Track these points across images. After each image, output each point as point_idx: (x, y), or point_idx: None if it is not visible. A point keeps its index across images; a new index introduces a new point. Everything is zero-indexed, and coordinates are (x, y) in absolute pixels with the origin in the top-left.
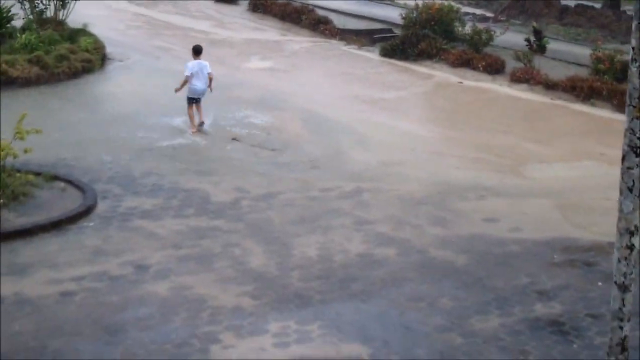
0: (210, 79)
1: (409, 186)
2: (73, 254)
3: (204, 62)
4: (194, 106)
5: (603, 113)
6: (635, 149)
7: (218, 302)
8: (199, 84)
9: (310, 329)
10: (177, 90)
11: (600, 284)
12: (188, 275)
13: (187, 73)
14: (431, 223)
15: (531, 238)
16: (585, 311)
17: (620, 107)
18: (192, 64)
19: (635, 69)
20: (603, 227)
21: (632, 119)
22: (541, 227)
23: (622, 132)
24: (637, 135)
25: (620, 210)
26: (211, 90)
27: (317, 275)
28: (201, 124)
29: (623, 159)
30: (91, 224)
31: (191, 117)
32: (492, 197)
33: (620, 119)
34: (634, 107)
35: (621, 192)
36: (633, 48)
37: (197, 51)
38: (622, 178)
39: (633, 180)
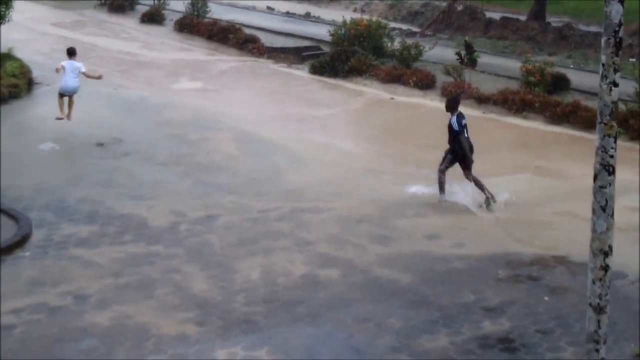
0: (87, 75)
1: (347, 205)
2: (10, 286)
3: (77, 62)
4: (64, 99)
5: (536, 125)
6: (607, 167)
7: (162, 330)
8: (70, 81)
9: (259, 355)
10: (57, 70)
11: (546, 298)
12: (129, 304)
13: (59, 66)
14: (373, 241)
15: (474, 254)
16: (533, 327)
17: (552, 119)
18: (65, 62)
19: (606, 85)
20: (545, 241)
21: (604, 137)
22: (483, 243)
23: (556, 144)
24: (609, 153)
25: (594, 231)
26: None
27: (261, 299)
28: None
29: (595, 177)
30: (27, 253)
31: (60, 105)
32: (431, 214)
33: (553, 131)
34: (605, 124)
35: (594, 212)
36: (603, 64)
37: (70, 52)
38: (595, 197)
39: (606, 200)
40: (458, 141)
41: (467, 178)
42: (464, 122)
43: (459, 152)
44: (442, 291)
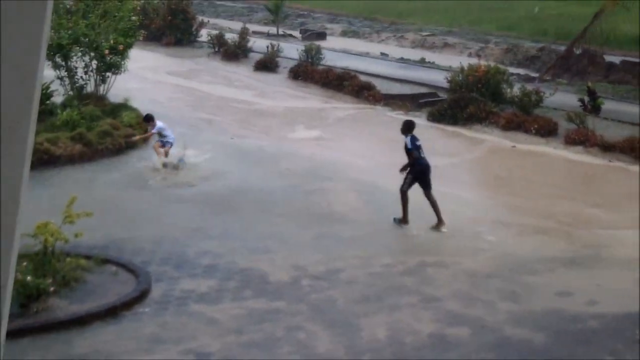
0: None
1: (474, 259)
2: (130, 343)
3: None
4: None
5: None
6: None
7: None
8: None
9: None
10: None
11: None
12: None
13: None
14: (502, 298)
15: (610, 312)
16: None
17: None
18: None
19: None
20: None
21: None
22: (619, 300)
23: None
24: None
25: None
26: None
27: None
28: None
29: None
30: (147, 309)
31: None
32: (562, 269)
33: None
34: None
35: None
36: None
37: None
38: None
39: None
40: (410, 157)
41: (427, 197)
42: (417, 143)
43: (412, 165)
44: (578, 352)
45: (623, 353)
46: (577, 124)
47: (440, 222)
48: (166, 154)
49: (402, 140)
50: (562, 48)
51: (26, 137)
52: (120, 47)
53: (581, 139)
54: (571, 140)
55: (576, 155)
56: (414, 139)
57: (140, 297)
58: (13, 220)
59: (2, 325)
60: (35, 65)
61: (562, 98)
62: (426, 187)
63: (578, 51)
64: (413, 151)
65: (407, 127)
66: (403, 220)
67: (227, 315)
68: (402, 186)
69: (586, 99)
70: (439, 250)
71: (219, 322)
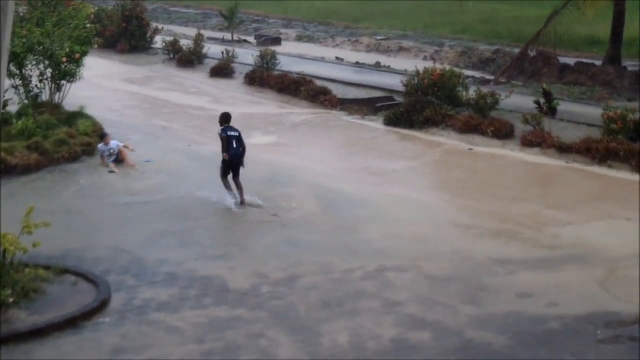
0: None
1: (433, 263)
2: (91, 354)
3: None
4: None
5: (622, 175)
6: None
7: None
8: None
9: None
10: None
11: None
12: None
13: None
14: (463, 301)
15: (570, 313)
16: None
17: (639, 168)
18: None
19: None
20: None
21: None
22: (579, 301)
23: None
24: None
25: None
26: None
27: None
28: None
29: None
30: (107, 319)
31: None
32: (521, 271)
33: None
34: None
35: None
36: None
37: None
38: None
39: None
40: (223, 144)
41: (235, 182)
42: (231, 133)
43: (223, 149)
44: (540, 354)
45: (584, 354)
46: (533, 126)
47: (242, 202)
48: (123, 159)
49: (358, 144)
50: (517, 50)
51: None
52: (76, 55)
53: (537, 140)
54: (528, 142)
55: (533, 157)
56: (227, 129)
57: (100, 306)
58: None
59: None
60: None
61: (517, 100)
62: (236, 173)
63: (532, 53)
64: (220, 135)
65: (224, 119)
66: (241, 202)
67: (188, 324)
68: (220, 175)
69: (542, 100)
70: (398, 255)
71: (180, 330)
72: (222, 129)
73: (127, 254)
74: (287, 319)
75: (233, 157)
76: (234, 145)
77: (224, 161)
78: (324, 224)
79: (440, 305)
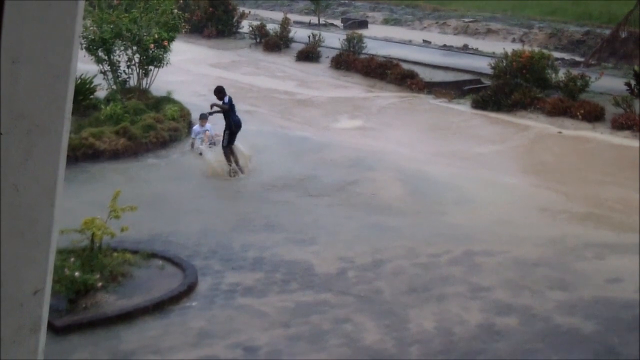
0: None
1: (521, 247)
2: (178, 338)
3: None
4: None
5: None
6: None
7: None
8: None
9: None
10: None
11: None
12: (301, 357)
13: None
14: (551, 287)
15: None
16: None
17: None
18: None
19: None
20: None
21: None
22: None
23: None
24: None
25: None
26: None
27: (437, 351)
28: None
29: None
30: (194, 303)
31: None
32: (611, 255)
33: None
34: None
35: None
36: None
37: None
38: None
39: None
40: (228, 116)
41: (233, 149)
42: (232, 102)
43: (229, 124)
44: (630, 340)
45: None
46: (624, 109)
47: (242, 170)
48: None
49: (445, 127)
50: (608, 32)
51: (60, 136)
52: (164, 42)
53: (629, 123)
54: (618, 125)
55: (624, 140)
56: (230, 99)
57: (187, 291)
58: (50, 222)
59: (42, 328)
60: (67, 63)
61: (608, 82)
62: (234, 141)
63: (624, 34)
64: (226, 107)
65: (220, 91)
66: (238, 171)
67: (274, 308)
68: (223, 143)
69: (633, 82)
70: (485, 239)
71: (266, 315)
72: (227, 99)
73: (214, 238)
74: (374, 303)
75: (238, 125)
76: (236, 114)
77: (230, 130)
78: (410, 208)
79: (527, 290)
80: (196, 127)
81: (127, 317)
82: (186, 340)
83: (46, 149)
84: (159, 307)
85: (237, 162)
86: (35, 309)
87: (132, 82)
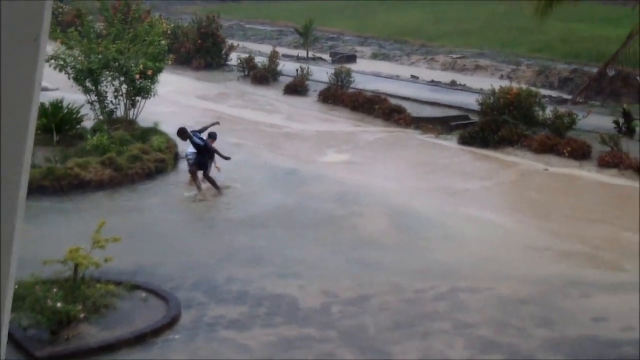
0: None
1: (506, 284)
2: None
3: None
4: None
5: None
6: None
7: None
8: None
9: None
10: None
11: None
12: None
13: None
14: (536, 325)
15: None
16: None
17: None
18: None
19: None
20: None
21: None
22: None
23: None
24: None
25: None
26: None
27: None
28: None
29: None
30: (177, 336)
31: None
32: (597, 294)
33: None
34: None
35: None
36: None
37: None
38: None
39: None
40: (204, 147)
41: (205, 177)
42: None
43: (205, 153)
44: None
45: None
46: (610, 147)
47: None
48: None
49: (432, 163)
50: (595, 70)
51: (21, 161)
52: (149, 72)
53: (615, 161)
54: (605, 163)
55: (610, 178)
56: (196, 136)
57: (171, 323)
58: (11, 226)
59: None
60: (33, 67)
61: (595, 120)
62: (206, 170)
63: (611, 73)
64: (205, 144)
65: (184, 133)
66: (218, 190)
67: (258, 342)
68: (204, 174)
69: (621, 121)
70: (471, 276)
71: (250, 348)
72: (195, 137)
73: (198, 270)
74: (357, 339)
75: (211, 156)
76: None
77: (204, 157)
78: (396, 242)
79: (512, 327)
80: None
81: (109, 348)
82: None
83: (5, 198)
84: (142, 339)
85: (199, 187)
86: None
87: (119, 112)
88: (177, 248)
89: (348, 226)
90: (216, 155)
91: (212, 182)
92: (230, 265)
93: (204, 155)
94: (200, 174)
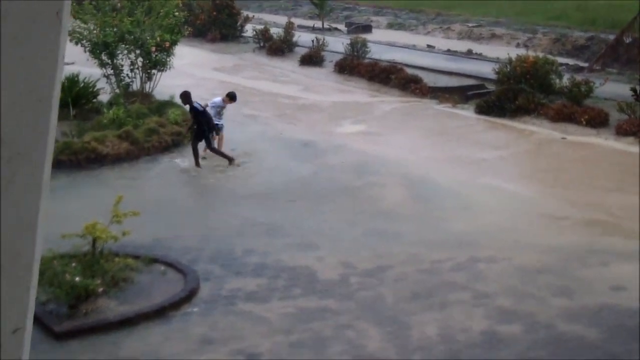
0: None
1: (525, 254)
2: (179, 344)
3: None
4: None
5: None
6: None
7: None
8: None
9: None
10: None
11: None
12: None
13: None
14: (555, 294)
15: None
16: None
17: None
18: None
19: None
20: None
21: None
22: None
23: None
24: None
25: None
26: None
27: (440, 358)
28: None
29: None
30: (195, 309)
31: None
32: (616, 263)
33: None
34: None
35: None
36: None
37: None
38: None
39: None
40: (204, 116)
41: (210, 149)
42: (204, 105)
43: (205, 123)
44: (634, 349)
45: None
46: (628, 114)
47: (231, 160)
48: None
49: (449, 133)
50: (612, 37)
51: (43, 164)
52: (166, 44)
53: (633, 129)
54: (623, 131)
55: (628, 146)
56: (198, 104)
57: (189, 296)
58: (31, 255)
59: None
60: (50, 87)
61: (612, 88)
62: (208, 143)
63: (628, 40)
64: (204, 111)
65: (187, 98)
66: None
67: (276, 314)
68: (192, 142)
69: (638, 88)
70: (489, 246)
71: (268, 321)
72: (196, 104)
73: (216, 243)
74: (376, 310)
75: (211, 128)
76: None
77: (199, 128)
78: (413, 213)
79: (531, 297)
80: (218, 99)
81: (128, 323)
82: (187, 347)
83: (28, 178)
84: (160, 312)
85: (197, 163)
86: (15, 349)
87: (135, 85)
88: (194, 221)
89: (365, 197)
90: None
91: (219, 153)
92: (247, 238)
93: (203, 125)
94: (201, 150)
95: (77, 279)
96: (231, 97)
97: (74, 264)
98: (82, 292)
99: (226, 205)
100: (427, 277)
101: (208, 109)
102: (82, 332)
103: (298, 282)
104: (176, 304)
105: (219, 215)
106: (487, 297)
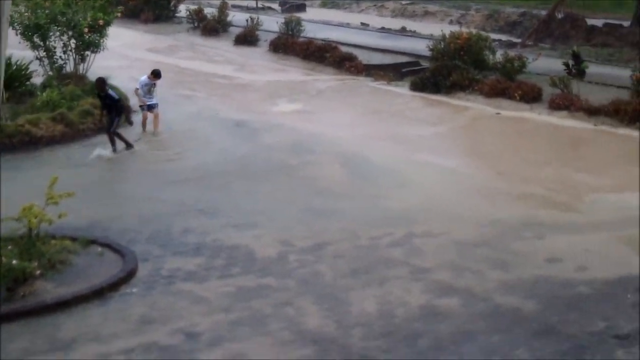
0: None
1: (461, 228)
2: (118, 325)
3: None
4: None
5: None
6: None
7: None
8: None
9: None
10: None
11: None
12: (242, 341)
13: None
14: (491, 267)
15: (600, 277)
16: None
17: None
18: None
19: None
20: None
21: None
22: (608, 265)
23: None
24: None
25: None
26: None
27: (380, 333)
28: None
29: None
30: (134, 290)
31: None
32: (550, 235)
33: None
34: None
35: None
36: None
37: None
38: None
39: None
40: (121, 105)
41: (109, 134)
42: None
43: (121, 112)
44: (569, 319)
45: (615, 318)
46: (561, 89)
47: (129, 145)
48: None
49: (384, 110)
50: (544, 13)
51: None
52: (100, 22)
53: (566, 103)
54: (556, 105)
55: (561, 120)
56: (113, 91)
57: (127, 277)
58: None
59: None
60: None
61: (545, 63)
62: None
63: (560, 15)
64: (121, 101)
65: (103, 84)
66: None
67: (215, 294)
68: (108, 129)
69: (571, 63)
70: (426, 221)
71: (207, 300)
72: (111, 91)
73: (153, 223)
74: (315, 287)
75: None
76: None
77: (111, 115)
78: (350, 190)
79: (468, 271)
80: (144, 78)
81: (66, 304)
82: (127, 327)
83: None
84: (99, 294)
85: (114, 148)
86: None
87: (69, 67)
88: (131, 202)
89: (302, 175)
90: (159, 105)
91: (119, 137)
92: (185, 218)
93: (114, 113)
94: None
95: (14, 261)
96: (155, 74)
97: (10, 247)
98: (20, 275)
99: (163, 186)
100: (365, 254)
101: (138, 90)
102: (20, 315)
103: (237, 261)
104: (114, 285)
105: (156, 195)
106: (425, 272)
